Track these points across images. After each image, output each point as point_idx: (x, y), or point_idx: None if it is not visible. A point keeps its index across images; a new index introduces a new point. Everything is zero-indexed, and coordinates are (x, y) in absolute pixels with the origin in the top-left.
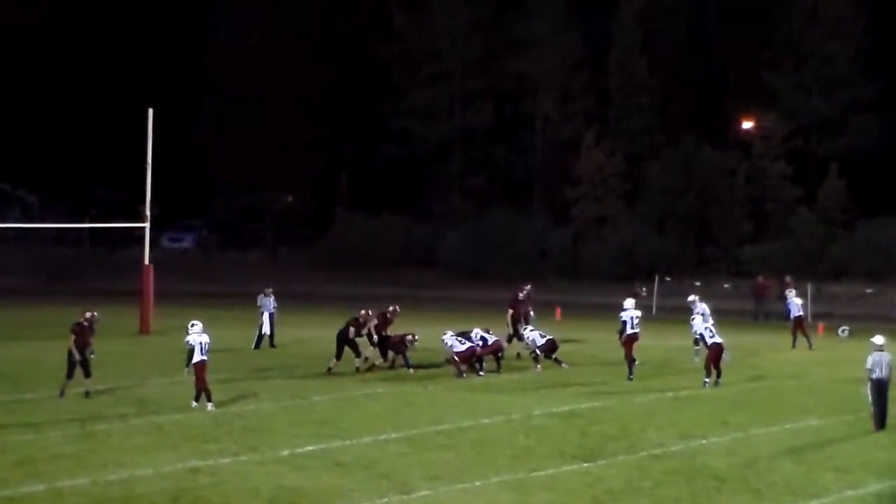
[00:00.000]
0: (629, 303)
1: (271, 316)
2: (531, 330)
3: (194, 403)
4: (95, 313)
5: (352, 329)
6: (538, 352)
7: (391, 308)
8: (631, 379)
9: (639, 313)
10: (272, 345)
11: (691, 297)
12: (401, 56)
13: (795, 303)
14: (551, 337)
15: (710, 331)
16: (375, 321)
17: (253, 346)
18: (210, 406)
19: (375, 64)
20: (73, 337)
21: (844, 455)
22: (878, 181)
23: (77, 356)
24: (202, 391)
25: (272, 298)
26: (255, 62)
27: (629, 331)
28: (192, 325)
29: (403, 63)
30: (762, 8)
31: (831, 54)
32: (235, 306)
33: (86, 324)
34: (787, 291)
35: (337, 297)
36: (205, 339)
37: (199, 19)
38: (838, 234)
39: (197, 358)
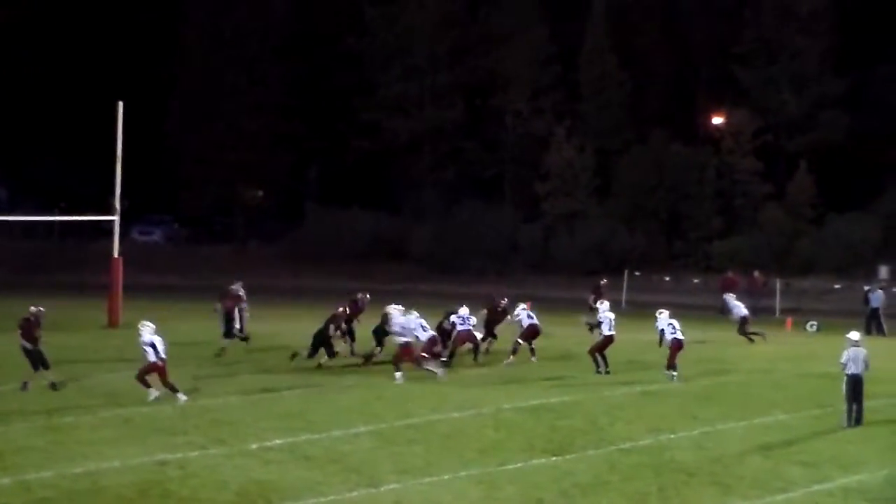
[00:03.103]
0: (606, 305)
1: (241, 310)
2: (522, 308)
3: (178, 395)
4: (42, 308)
5: (331, 326)
6: (520, 340)
7: (360, 295)
8: (604, 372)
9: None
10: (242, 338)
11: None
12: (372, 50)
13: (738, 305)
14: (536, 322)
15: (673, 327)
16: (347, 310)
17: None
18: (182, 397)
19: (347, 58)
20: (19, 332)
21: (812, 449)
22: (846, 177)
23: (29, 346)
24: (169, 387)
25: (243, 292)
26: (226, 56)
27: (607, 332)
28: (144, 326)
29: (374, 57)
30: (733, 4)
31: (801, 50)
32: (204, 299)
33: (32, 319)
34: (725, 295)
35: (307, 290)
36: (157, 340)
37: (170, 13)
38: (807, 229)
39: (153, 358)
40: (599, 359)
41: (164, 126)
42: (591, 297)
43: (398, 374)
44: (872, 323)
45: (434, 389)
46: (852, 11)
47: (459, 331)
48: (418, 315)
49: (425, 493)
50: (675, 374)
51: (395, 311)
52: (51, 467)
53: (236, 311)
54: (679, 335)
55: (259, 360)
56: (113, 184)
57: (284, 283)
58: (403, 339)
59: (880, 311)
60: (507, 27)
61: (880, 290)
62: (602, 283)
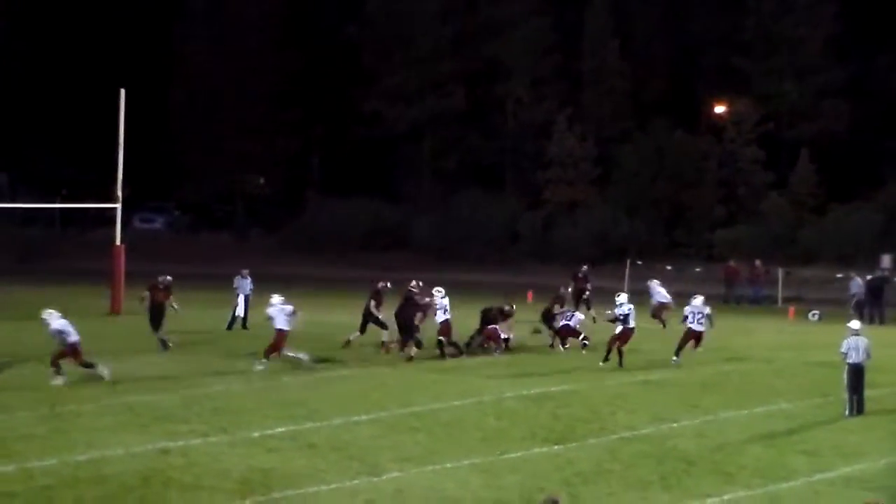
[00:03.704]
0: (625, 297)
1: (246, 298)
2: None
3: (99, 370)
4: None
5: (418, 315)
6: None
7: (380, 284)
8: (603, 363)
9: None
10: (244, 326)
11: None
12: (373, 40)
13: (660, 291)
14: (569, 323)
15: (700, 315)
16: (373, 301)
17: (225, 327)
18: (104, 371)
19: (347, 47)
20: None
21: (814, 438)
22: (848, 166)
23: None
24: (85, 365)
25: (249, 280)
26: (227, 44)
27: (630, 324)
28: (49, 314)
29: (375, 47)
30: None
31: (802, 40)
32: (206, 287)
33: None
34: (649, 282)
35: (307, 279)
36: (64, 324)
37: (170, 1)
38: (809, 218)
39: (73, 338)
40: (615, 352)
41: (165, 114)
42: (571, 289)
43: (263, 362)
44: (856, 310)
45: (435, 378)
46: (853, 1)
47: (489, 327)
48: (443, 295)
49: (427, 482)
50: (675, 359)
51: (274, 299)
52: (53, 455)
53: (168, 304)
54: (697, 326)
55: (260, 348)
56: (114, 171)
57: (285, 271)
58: (279, 327)
59: (856, 299)
60: (508, 16)
61: (858, 279)
62: (584, 268)
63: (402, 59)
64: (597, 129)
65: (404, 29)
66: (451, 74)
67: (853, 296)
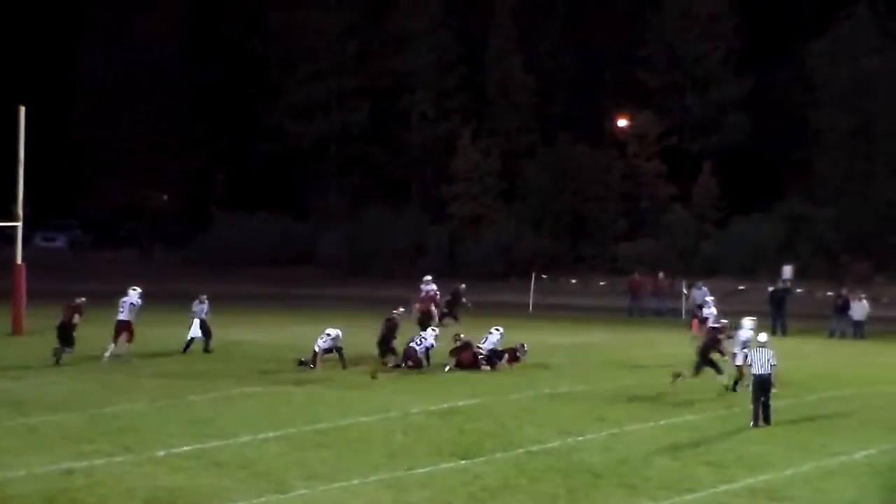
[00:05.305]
0: (749, 322)
1: (203, 322)
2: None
3: None
4: None
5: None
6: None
7: (396, 312)
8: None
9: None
10: (207, 349)
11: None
12: (277, 54)
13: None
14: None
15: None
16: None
17: (182, 350)
18: None
19: (251, 62)
20: None
21: (718, 450)
22: (749, 178)
23: None
24: None
25: (206, 305)
26: (130, 59)
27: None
28: None
29: (279, 61)
30: (636, 8)
31: (703, 54)
32: (110, 305)
33: None
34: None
35: (213, 296)
36: None
37: (72, 15)
38: (711, 231)
39: None
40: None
41: (66, 130)
42: (444, 302)
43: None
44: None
45: (341, 394)
46: (753, 15)
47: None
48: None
49: (334, 499)
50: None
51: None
52: None
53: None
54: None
55: (164, 366)
56: (14, 190)
57: (190, 288)
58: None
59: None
60: (411, 30)
61: (705, 288)
62: (461, 287)
63: (306, 73)
64: (501, 144)
65: (308, 43)
66: (355, 89)
67: (699, 306)
